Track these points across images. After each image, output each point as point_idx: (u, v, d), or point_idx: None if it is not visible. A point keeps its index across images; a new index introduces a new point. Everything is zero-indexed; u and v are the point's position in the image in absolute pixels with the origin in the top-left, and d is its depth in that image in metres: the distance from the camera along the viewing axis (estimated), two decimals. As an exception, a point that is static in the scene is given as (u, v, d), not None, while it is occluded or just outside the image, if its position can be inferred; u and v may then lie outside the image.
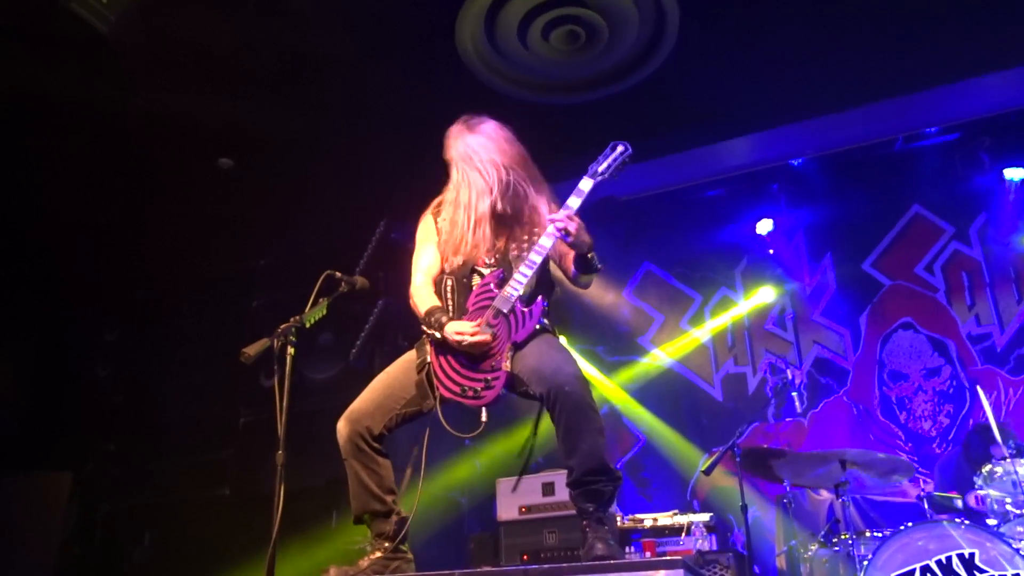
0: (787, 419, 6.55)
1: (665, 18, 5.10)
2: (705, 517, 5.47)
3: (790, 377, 5.89)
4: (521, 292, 3.07)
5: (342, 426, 3.15)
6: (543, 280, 3.28)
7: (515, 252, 3.23)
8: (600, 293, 7.51)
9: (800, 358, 6.72)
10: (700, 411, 6.92)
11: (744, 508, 5.04)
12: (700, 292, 7.29)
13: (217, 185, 6.45)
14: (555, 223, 3.07)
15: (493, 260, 3.24)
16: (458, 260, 3.26)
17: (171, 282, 7.53)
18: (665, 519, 5.54)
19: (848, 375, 6.54)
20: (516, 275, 3.09)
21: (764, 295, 6.91)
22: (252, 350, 3.06)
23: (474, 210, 3.27)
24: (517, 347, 3.06)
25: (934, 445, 6.06)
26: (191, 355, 7.31)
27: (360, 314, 6.50)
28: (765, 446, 6.29)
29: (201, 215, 6.79)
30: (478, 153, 3.37)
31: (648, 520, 5.56)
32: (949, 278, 6.46)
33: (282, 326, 3.15)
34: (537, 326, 3.11)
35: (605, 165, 3.26)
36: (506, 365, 3.02)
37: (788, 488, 5.04)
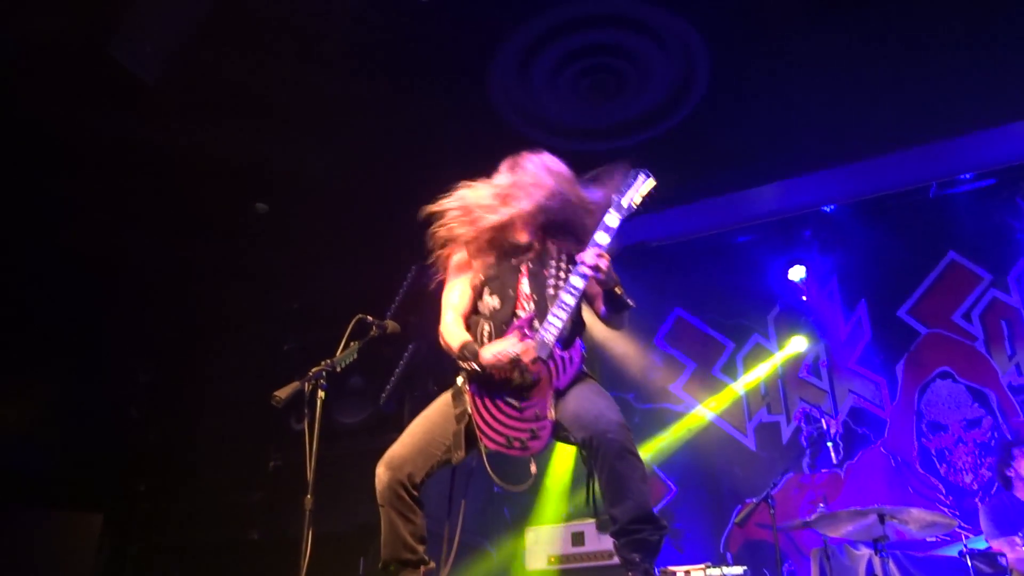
0: (823, 470, 6.41)
1: (695, 65, 5.14)
2: (739, 570, 5.31)
3: (825, 427, 5.79)
4: (557, 336, 2.96)
5: (382, 472, 3.04)
6: (578, 322, 3.19)
7: (551, 291, 3.12)
8: (631, 339, 7.46)
9: (835, 407, 6.60)
10: (733, 460, 6.80)
11: (780, 562, 4.91)
12: (732, 339, 7.21)
13: (252, 229, 6.55)
14: (585, 263, 2.98)
15: (531, 302, 3.15)
16: (494, 301, 3.19)
17: (204, 324, 7.61)
18: (697, 572, 5.41)
19: (885, 425, 6.40)
20: (551, 318, 2.97)
21: (798, 343, 6.81)
22: (283, 393, 3.06)
23: (512, 248, 3.25)
24: (559, 394, 2.97)
25: (976, 499, 5.88)
26: (223, 397, 7.35)
27: (391, 358, 6.50)
28: (801, 498, 6.15)
29: (236, 258, 6.89)
30: (520, 190, 3.28)
31: (680, 572, 5.43)
32: (988, 326, 6.33)
33: (313, 369, 3.16)
34: (577, 371, 3.03)
35: (628, 197, 3.17)
36: (551, 413, 2.93)
37: (825, 542, 4.90)
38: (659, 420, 7.19)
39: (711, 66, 5.12)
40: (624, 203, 3.17)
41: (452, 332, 3.20)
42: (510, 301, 3.17)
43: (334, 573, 5.69)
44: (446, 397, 3.16)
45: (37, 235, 6.33)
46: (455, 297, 3.32)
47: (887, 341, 6.61)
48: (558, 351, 3.00)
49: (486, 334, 3.13)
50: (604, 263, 2.99)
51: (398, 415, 6.39)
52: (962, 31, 4.97)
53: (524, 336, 3.00)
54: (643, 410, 7.27)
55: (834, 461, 6.26)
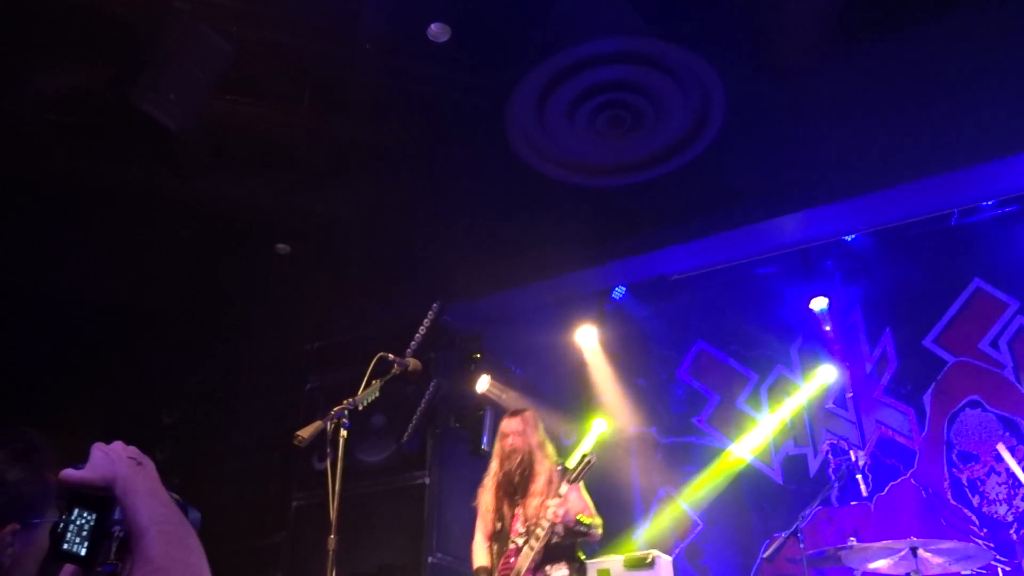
0: (852, 503, 6.30)
1: (711, 98, 5.16)
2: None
3: (853, 459, 5.70)
4: (527, 566, 4.25)
5: None
6: (555, 550, 4.40)
7: (534, 523, 4.35)
8: (653, 373, 7.42)
9: (863, 438, 6.50)
10: (760, 494, 6.71)
11: (810, 597, 4.82)
12: (756, 371, 7.15)
13: (274, 270, 6.62)
14: (554, 516, 4.28)
15: (524, 529, 4.39)
16: (499, 526, 4.53)
17: (227, 365, 7.66)
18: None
19: (914, 456, 6.29)
20: (525, 550, 4.27)
21: (823, 374, 6.74)
22: (306, 433, 3.08)
23: (501, 488, 4.60)
24: None
25: (1011, 531, 5.75)
26: (246, 438, 7.36)
27: (412, 396, 6.51)
28: (830, 532, 6.05)
29: (257, 299, 6.96)
30: (511, 439, 4.68)
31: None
32: (1016, 354, 6.24)
33: (335, 408, 3.17)
34: None
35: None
36: None
37: (856, 576, 4.81)
38: (683, 454, 7.12)
39: (727, 99, 5.15)
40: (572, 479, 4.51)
41: (475, 554, 4.62)
42: (506, 529, 4.57)
43: (358, 614, 5.65)
44: None
45: (64, 283, 6.44)
46: (484, 523, 4.70)
47: (914, 371, 6.52)
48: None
49: (495, 553, 4.53)
50: (564, 515, 4.32)
51: (420, 454, 6.37)
52: (979, 59, 4.98)
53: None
54: (666, 444, 7.21)
55: (863, 493, 6.16)
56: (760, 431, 6.93)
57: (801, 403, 6.82)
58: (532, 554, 4.28)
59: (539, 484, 4.55)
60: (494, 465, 4.80)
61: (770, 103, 5.25)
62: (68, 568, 1.62)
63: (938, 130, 5.46)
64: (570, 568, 4.46)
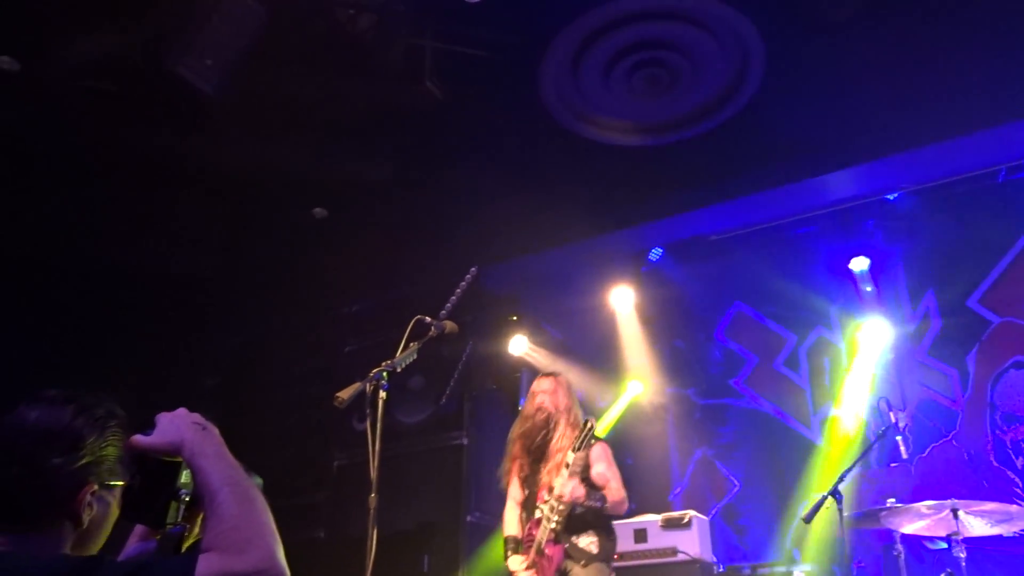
0: (892, 464, 6.25)
1: (749, 54, 5.05)
2: (807, 567, 5.24)
3: (894, 420, 5.63)
4: (547, 538, 4.19)
5: None
6: (580, 519, 4.29)
7: (561, 514, 4.23)
8: (690, 334, 7.39)
9: (904, 400, 6.43)
10: (799, 455, 6.68)
11: (849, 558, 4.80)
12: (795, 332, 7.08)
13: (312, 234, 6.67)
14: (559, 495, 4.19)
15: (548, 497, 4.27)
16: (526, 492, 4.47)
17: (267, 329, 7.77)
18: (764, 569, 5.33)
19: (957, 418, 6.21)
20: (544, 522, 4.22)
21: (863, 334, 6.65)
22: (345, 394, 3.12)
23: (524, 450, 4.50)
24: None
25: (1055, 492, 5.68)
26: (286, 400, 7.49)
27: (449, 358, 6.56)
28: (870, 493, 6.01)
29: (296, 263, 7.02)
30: (539, 398, 4.56)
31: (747, 569, 5.37)
32: (1064, 314, 6.10)
33: (374, 370, 3.20)
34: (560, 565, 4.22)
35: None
36: None
37: (896, 537, 4.78)
38: (721, 415, 7.11)
39: (766, 55, 5.04)
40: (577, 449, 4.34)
41: (505, 521, 4.57)
42: (533, 495, 4.48)
43: (399, 571, 5.77)
44: None
45: (105, 251, 6.54)
46: (514, 490, 4.60)
47: (957, 331, 6.41)
48: (548, 549, 4.22)
49: (523, 521, 4.48)
50: (571, 498, 4.20)
51: (458, 415, 6.44)
52: (1029, 9, 4.80)
53: (532, 551, 4.30)
54: (704, 405, 7.19)
55: (904, 455, 6.10)
56: (798, 392, 6.87)
57: (839, 356, 6.73)
58: (550, 527, 4.20)
59: (559, 447, 4.44)
60: (515, 428, 4.64)
61: (811, 58, 5.11)
62: (139, 529, 1.69)
63: (985, 83, 5.30)
64: (598, 536, 4.32)
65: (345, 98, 5.34)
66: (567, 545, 4.25)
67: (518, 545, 4.40)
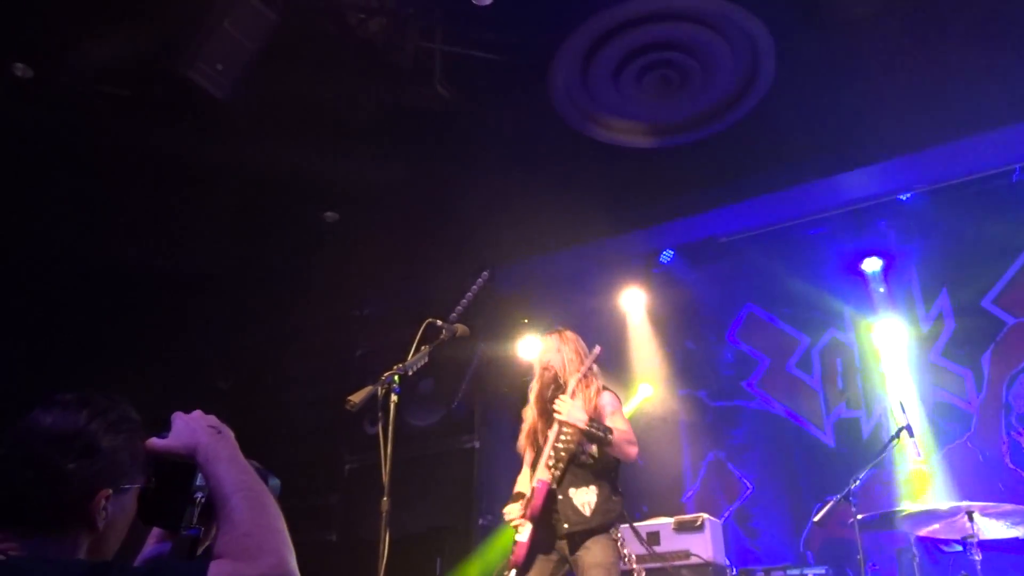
0: (906, 467, 6.20)
1: (760, 54, 5.04)
2: (820, 570, 5.21)
3: (908, 422, 5.59)
4: (546, 477, 3.96)
5: None
6: (583, 472, 4.09)
7: (564, 454, 4.04)
8: (702, 336, 7.36)
9: (918, 402, 6.38)
10: (811, 458, 6.64)
11: (862, 561, 4.77)
12: (807, 333, 7.04)
13: (323, 238, 6.68)
14: (557, 411, 4.04)
15: (554, 458, 4.03)
16: (534, 453, 4.27)
17: (279, 332, 7.79)
18: (777, 572, 5.31)
19: (971, 419, 6.16)
20: (541, 463, 4.05)
21: (876, 336, 6.61)
22: (357, 398, 3.12)
23: (538, 411, 4.28)
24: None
25: (1072, 495, 5.62)
26: (298, 403, 7.52)
27: (460, 361, 6.56)
28: (884, 496, 5.98)
29: (308, 267, 7.04)
30: (544, 355, 4.39)
31: (760, 572, 5.35)
32: (1081, 314, 6.05)
33: (386, 374, 3.21)
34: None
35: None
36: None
37: (911, 540, 4.75)
38: (733, 417, 7.08)
39: (777, 54, 5.02)
40: None
41: (518, 481, 4.36)
42: (537, 455, 4.22)
43: (411, 574, 5.77)
44: None
45: (119, 253, 6.59)
46: (527, 455, 4.39)
47: (971, 332, 6.36)
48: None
49: (530, 478, 4.22)
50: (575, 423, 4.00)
51: (469, 418, 6.44)
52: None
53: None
54: (716, 407, 7.17)
55: (918, 457, 6.06)
56: (811, 394, 6.83)
57: (852, 358, 6.69)
58: (544, 460, 3.95)
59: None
60: (529, 394, 4.47)
61: (822, 57, 5.09)
62: (155, 531, 1.69)
63: (999, 82, 5.27)
64: (600, 494, 4.00)
65: (356, 101, 5.36)
66: (561, 497, 3.99)
67: (520, 498, 4.19)
